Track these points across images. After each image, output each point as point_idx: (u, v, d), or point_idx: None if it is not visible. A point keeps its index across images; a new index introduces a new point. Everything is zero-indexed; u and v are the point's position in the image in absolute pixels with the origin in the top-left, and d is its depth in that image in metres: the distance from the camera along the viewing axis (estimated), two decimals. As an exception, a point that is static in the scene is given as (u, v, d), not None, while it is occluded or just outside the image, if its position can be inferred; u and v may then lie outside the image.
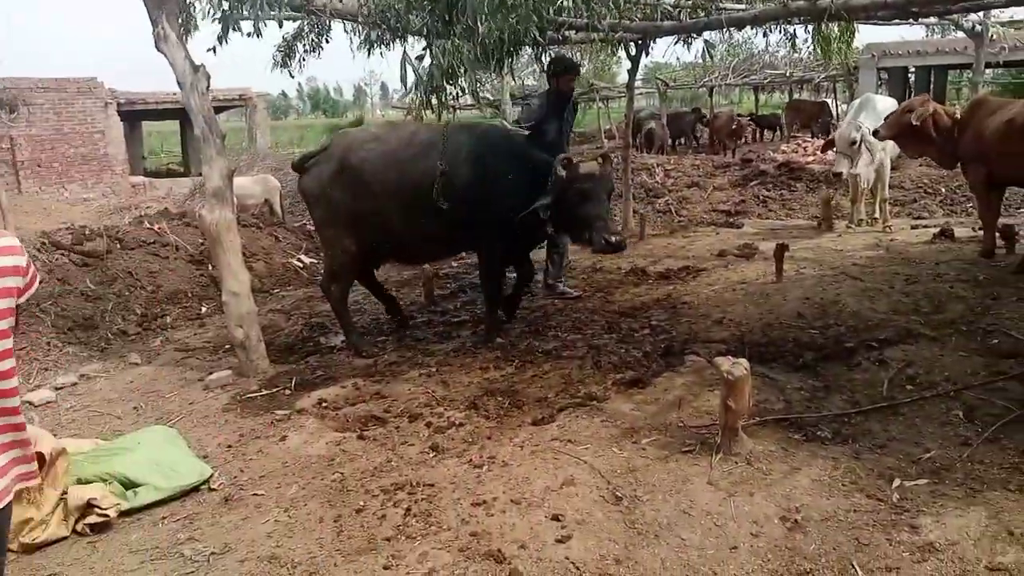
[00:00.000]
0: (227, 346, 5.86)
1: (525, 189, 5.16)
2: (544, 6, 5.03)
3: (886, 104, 8.40)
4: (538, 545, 3.03)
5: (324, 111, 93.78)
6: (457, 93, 5.57)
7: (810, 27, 7.27)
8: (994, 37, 12.64)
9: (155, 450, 3.95)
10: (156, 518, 3.59)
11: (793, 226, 9.53)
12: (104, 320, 6.96)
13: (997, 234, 6.61)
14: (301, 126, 54.94)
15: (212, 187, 5.20)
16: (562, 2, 5.22)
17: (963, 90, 24.57)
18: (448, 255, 6.66)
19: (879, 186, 8.48)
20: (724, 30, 7.22)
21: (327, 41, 7.69)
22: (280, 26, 6.80)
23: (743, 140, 22.30)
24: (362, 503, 3.48)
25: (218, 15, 5.49)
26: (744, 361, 3.51)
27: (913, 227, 8.58)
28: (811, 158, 15.26)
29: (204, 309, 7.50)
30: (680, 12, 7.44)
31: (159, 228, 8.79)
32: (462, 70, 5.38)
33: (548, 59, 6.78)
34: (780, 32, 7.46)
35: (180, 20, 5.30)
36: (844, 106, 22.46)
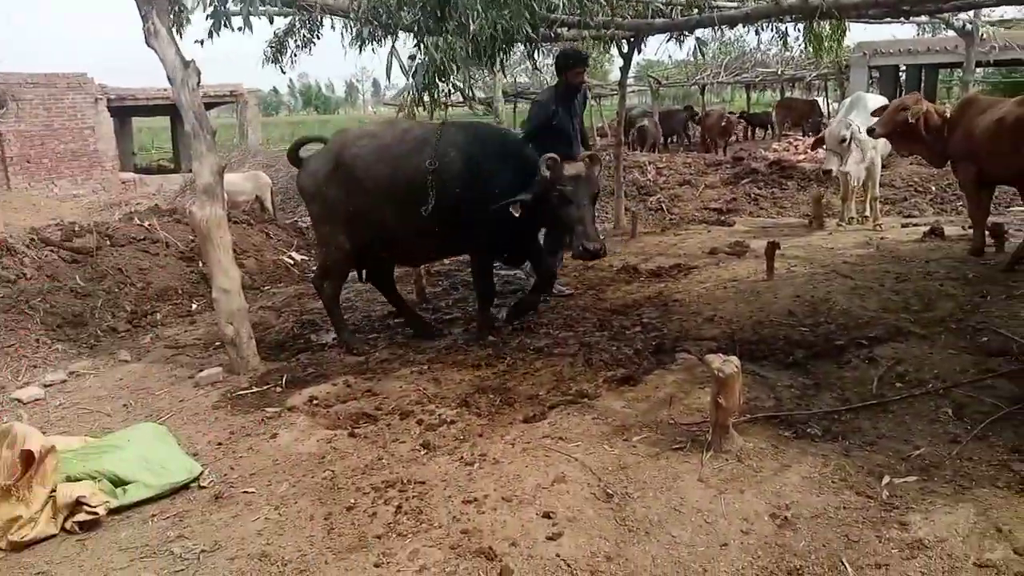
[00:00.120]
0: (217, 343, 5.84)
1: (517, 189, 5.09)
2: (537, 3, 5.04)
3: (877, 103, 8.42)
4: (529, 542, 3.03)
5: (316, 107, 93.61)
6: (449, 90, 5.56)
7: (801, 25, 7.30)
8: (984, 36, 12.69)
9: (145, 448, 3.93)
10: (146, 516, 3.57)
11: (784, 224, 9.56)
12: (94, 317, 6.92)
13: (987, 232, 6.64)
14: (292, 122, 54.80)
15: (202, 183, 5.18)
16: (554, -1, 5.23)
17: (954, 89, 24.71)
18: (442, 254, 6.49)
19: (870, 184, 8.51)
20: (716, 28, 7.23)
21: (318, 37, 7.67)
22: (271, 22, 6.78)
23: (734, 138, 22.35)
24: (353, 501, 3.47)
25: (209, 10, 5.47)
26: (735, 359, 3.52)
27: (903, 225, 8.61)
28: (802, 156, 15.31)
29: (194, 306, 7.47)
30: (672, 10, 7.46)
31: (149, 225, 8.75)
32: (454, 67, 5.37)
33: (552, 54, 6.77)
34: (772, 30, 7.49)
35: (171, 15, 5.27)
36: (835, 104, 22.56)
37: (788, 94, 31.04)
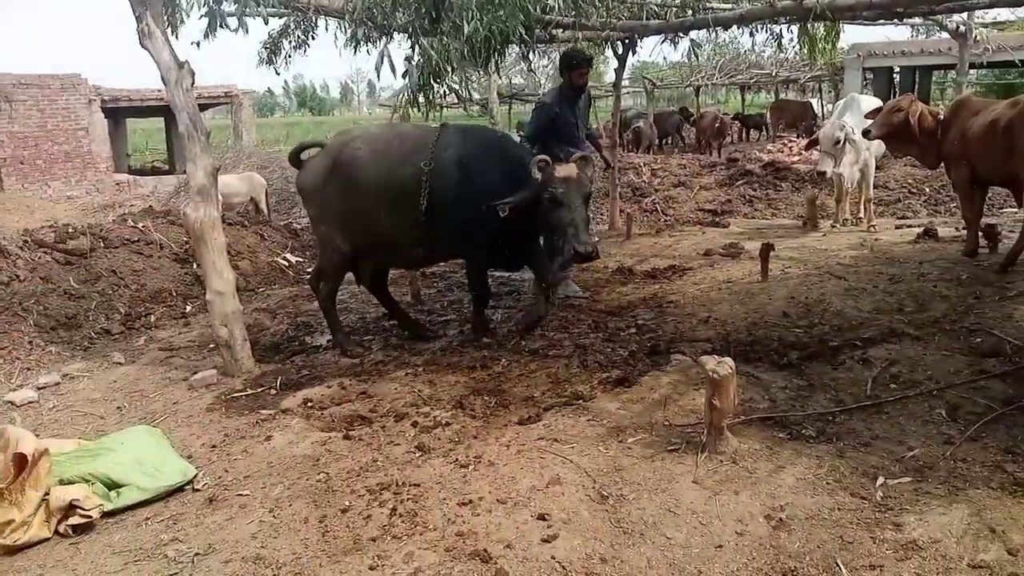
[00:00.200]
0: (212, 345, 5.83)
1: (510, 192, 5.02)
2: (531, 4, 5.04)
3: (871, 104, 8.45)
4: (524, 545, 3.03)
5: (311, 109, 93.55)
6: (444, 92, 5.56)
7: (796, 27, 7.31)
8: (978, 38, 12.75)
9: (138, 450, 3.92)
10: (139, 519, 3.56)
11: (779, 225, 9.57)
12: (87, 319, 6.91)
13: (980, 234, 6.66)
14: (287, 123, 54.67)
15: (196, 185, 5.17)
16: (549, 0, 5.22)
17: (947, 90, 24.79)
18: (437, 258, 6.35)
19: (864, 186, 8.54)
20: (710, 29, 7.25)
21: (313, 38, 7.67)
22: (266, 23, 6.78)
23: (728, 139, 22.40)
24: (348, 503, 3.47)
25: (204, 11, 5.47)
26: (729, 360, 3.52)
27: (897, 227, 8.63)
28: (796, 158, 15.37)
29: (189, 308, 7.46)
30: (667, 11, 7.48)
31: (143, 226, 8.73)
32: (449, 68, 5.37)
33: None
34: (766, 32, 7.51)
35: (165, 16, 5.26)
36: (830, 106, 22.62)
37: (783, 96, 31.12)
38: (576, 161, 5.10)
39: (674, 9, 7.46)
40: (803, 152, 15.41)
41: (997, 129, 5.93)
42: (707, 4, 7.02)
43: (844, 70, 19.82)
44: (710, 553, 2.90)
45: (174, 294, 7.78)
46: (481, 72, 6.48)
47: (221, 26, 5.60)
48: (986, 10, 10.49)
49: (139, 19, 4.98)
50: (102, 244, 8.08)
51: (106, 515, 3.56)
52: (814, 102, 26.88)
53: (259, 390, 5.03)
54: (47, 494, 3.48)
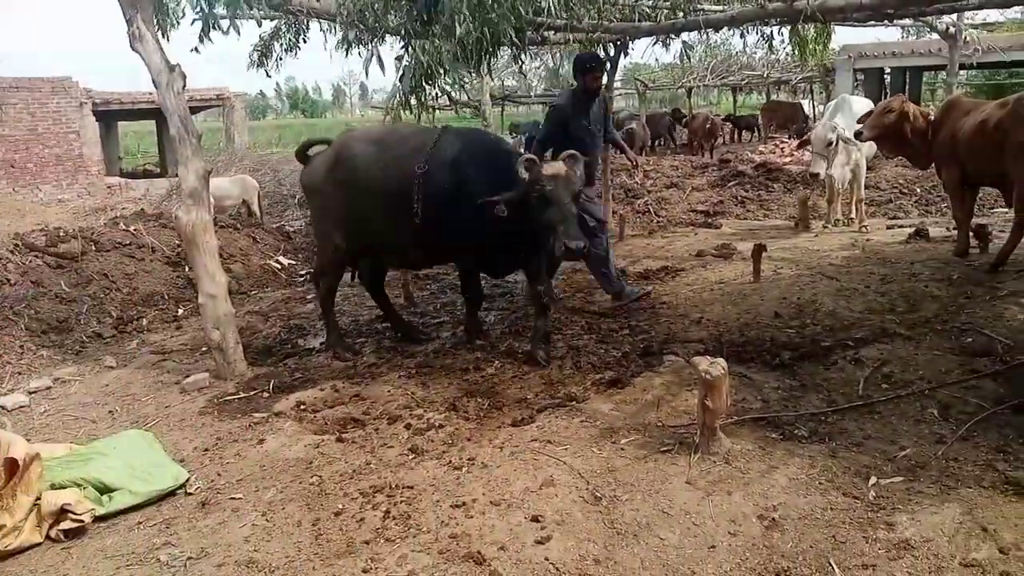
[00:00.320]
0: (204, 348, 5.81)
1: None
2: (523, 6, 5.04)
3: (862, 105, 8.49)
4: (518, 546, 3.03)
5: (303, 111, 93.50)
6: (436, 94, 5.55)
7: (787, 29, 7.33)
8: (967, 39, 12.82)
9: (130, 454, 3.91)
10: (132, 523, 3.55)
11: (771, 226, 9.60)
12: (79, 323, 6.88)
13: (971, 234, 6.69)
14: (280, 126, 54.62)
15: (188, 188, 5.15)
16: (541, 2, 5.22)
17: (938, 91, 24.92)
18: (433, 260, 6.25)
19: (855, 186, 8.57)
20: (702, 31, 7.26)
21: (304, 41, 7.65)
22: (259, 24, 6.77)
23: (720, 140, 22.45)
24: (341, 506, 3.46)
25: (197, 15, 5.45)
26: (722, 361, 3.53)
27: (889, 227, 8.67)
28: (788, 159, 15.42)
29: (181, 311, 7.43)
30: (658, 13, 7.49)
31: (135, 229, 8.70)
32: (441, 70, 5.37)
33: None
34: (757, 34, 7.52)
35: (156, 19, 5.25)
36: (821, 107, 22.71)
37: (774, 97, 31.19)
38: (564, 159, 5.04)
39: (665, 11, 7.47)
40: (794, 153, 15.48)
41: (987, 129, 5.97)
42: (698, 6, 7.04)
43: (835, 71, 19.90)
44: (703, 553, 2.91)
45: (166, 297, 7.75)
46: (473, 74, 6.48)
47: (213, 27, 5.58)
48: (975, 11, 10.55)
49: (130, 22, 4.97)
50: (93, 247, 8.04)
51: (98, 519, 3.55)
52: (805, 103, 26.94)
53: (252, 393, 5.02)
54: (39, 499, 3.46)
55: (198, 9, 5.37)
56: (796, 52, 8.32)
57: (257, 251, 9.42)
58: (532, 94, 28.44)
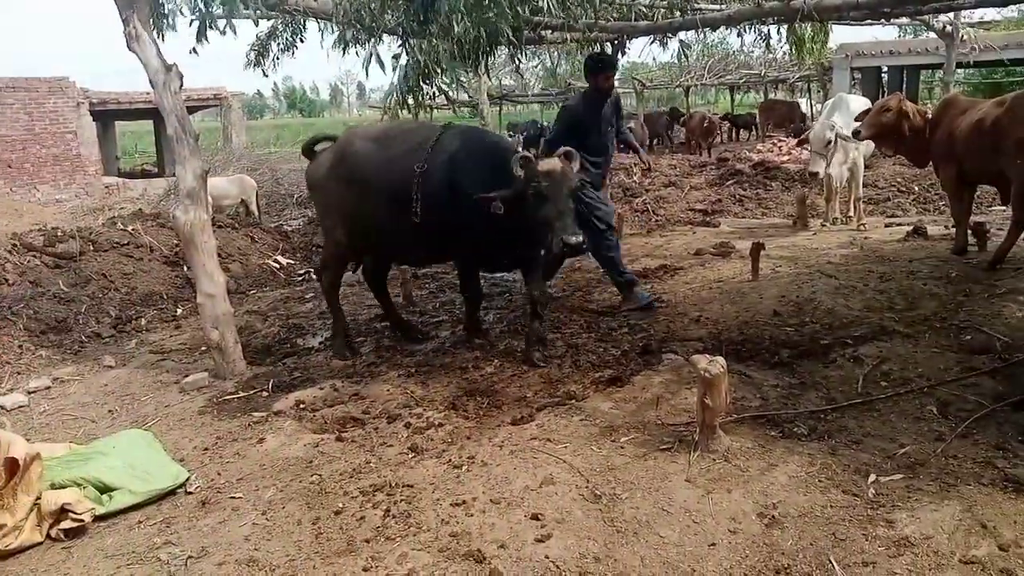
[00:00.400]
0: (203, 348, 5.81)
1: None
2: (520, 5, 5.04)
3: (859, 104, 8.50)
4: (518, 544, 3.03)
5: (300, 111, 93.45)
6: (434, 93, 5.55)
7: (784, 28, 7.35)
8: (964, 38, 12.84)
9: (130, 454, 3.91)
10: (132, 522, 3.55)
11: (769, 225, 9.61)
12: (78, 323, 6.88)
13: (969, 232, 6.70)
14: (277, 125, 54.61)
15: (186, 187, 5.15)
16: (538, 2, 5.21)
17: (935, 89, 24.93)
18: (433, 258, 6.21)
19: (853, 185, 8.58)
20: (699, 30, 7.27)
21: (301, 40, 7.65)
22: (256, 24, 6.77)
23: (717, 139, 22.47)
24: (341, 505, 3.46)
25: (194, 15, 5.45)
26: (721, 359, 3.53)
27: (887, 225, 8.68)
28: (786, 157, 15.43)
29: (179, 311, 7.43)
30: (655, 13, 7.49)
31: (133, 229, 8.70)
32: (438, 70, 5.36)
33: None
34: (754, 32, 7.54)
35: (152, 19, 5.25)
36: (818, 106, 22.73)
37: (772, 96, 31.24)
38: (560, 155, 4.96)
39: (662, 10, 7.48)
40: (792, 152, 15.50)
41: (984, 128, 5.98)
42: (695, 5, 7.04)
43: (832, 70, 19.92)
44: (703, 551, 2.91)
45: (165, 297, 7.75)
46: (470, 73, 6.47)
47: (210, 27, 5.58)
48: (972, 10, 10.56)
49: (126, 22, 4.97)
50: (92, 247, 8.04)
51: (98, 519, 3.55)
52: (802, 102, 26.99)
53: (251, 392, 5.02)
54: (39, 498, 3.46)
55: (195, 10, 5.38)
56: (794, 51, 8.33)
57: (255, 250, 9.43)
58: (529, 93, 28.47)
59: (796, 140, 10.26)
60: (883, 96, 11.59)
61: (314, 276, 6.21)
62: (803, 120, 22.73)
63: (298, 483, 3.73)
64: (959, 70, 18.72)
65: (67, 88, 17.32)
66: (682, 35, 7.56)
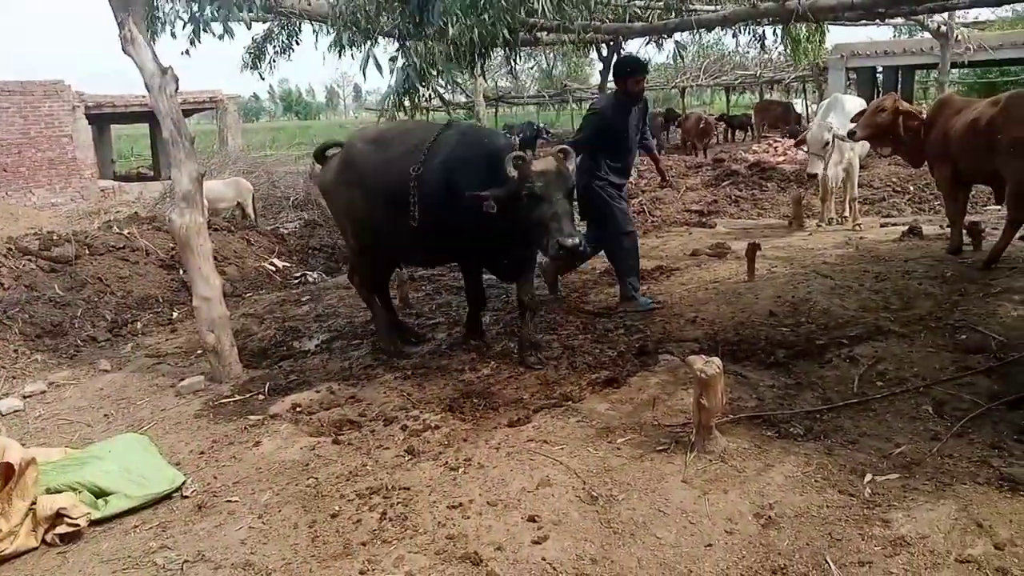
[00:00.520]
0: (199, 351, 5.80)
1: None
2: (516, 7, 5.05)
3: (854, 104, 8.51)
4: (515, 546, 3.02)
5: (296, 113, 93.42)
6: (430, 95, 5.55)
7: (779, 29, 7.37)
8: (959, 38, 12.87)
9: (126, 458, 3.90)
10: (128, 527, 3.54)
11: (764, 225, 9.62)
12: (73, 327, 6.87)
13: (964, 231, 6.72)
14: (273, 128, 54.58)
15: (181, 190, 5.15)
16: (533, 3, 5.23)
17: (930, 89, 25.00)
18: (438, 260, 6.14)
19: (848, 185, 8.59)
20: (694, 31, 7.29)
21: (297, 43, 7.66)
22: (248, 27, 6.77)
23: (713, 140, 22.49)
24: (337, 508, 3.45)
25: (187, 18, 5.46)
26: (717, 360, 3.53)
27: (882, 225, 8.69)
28: (782, 158, 15.45)
29: (175, 314, 7.42)
30: (650, 14, 7.51)
31: (129, 233, 8.69)
32: (434, 71, 5.38)
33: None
34: (750, 33, 7.56)
35: (147, 22, 5.24)
36: (814, 106, 22.77)
37: (767, 96, 31.30)
38: (555, 154, 4.86)
39: (657, 11, 7.50)
40: (788, 152, 15.52)
41: (979, 127, 5.99)
42: (690, 6, 7.06)
43: (827, 70, 19.96)
44: (700, 552, 2.91)
45: (160, 300, 7.74)
46: (466, 75, 6.47)
47: (204, 30, 5.58)
48: (966, 10, 10.59)
49: (121, 25, 4.96)
50: (87, 251, 8.03)
51: (94, 523, 3.54)
52: (798, 102, 27.05)
53: (247, 396, 5.01)
54: (34, 503, 3.45)
55: (190, 13, 5.39)
56: (789, 51, 8.36)
57: (251, 253, 9.42)
58: (525, 95, 28.49)
59: (793, 141, 10.27)
60: (878, 96, 11.60)
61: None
62: (798, 121, 22.78)
63: (294, 486, 3.73)
64: (954, 70, 18.76)
65: (62, 91, 17.30)
66: (677, 36, 7.59)
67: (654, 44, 8.04)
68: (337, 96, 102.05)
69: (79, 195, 17.40)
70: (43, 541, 3.42)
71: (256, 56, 7.92)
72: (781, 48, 8.75)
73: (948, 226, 7.09)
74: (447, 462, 3.76)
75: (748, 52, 24.27)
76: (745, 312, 5.73)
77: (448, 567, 2.95)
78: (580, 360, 5.03)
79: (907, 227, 7.85)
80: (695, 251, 7.92)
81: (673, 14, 7.25)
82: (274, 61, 8.00)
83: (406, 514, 3.33)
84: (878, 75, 22.43)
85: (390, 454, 3.96)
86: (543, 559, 2.93)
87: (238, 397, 5.01)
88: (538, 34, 7.57)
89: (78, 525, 3.45)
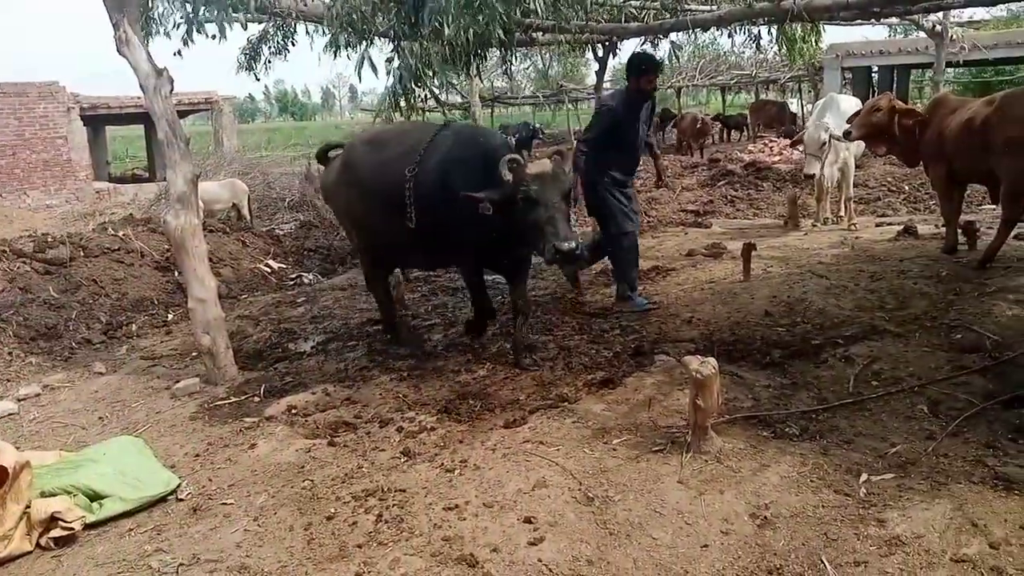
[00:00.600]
0: (194, 353, 5.79)
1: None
2: (511, 7, 5.04)
3: (850, 104, 8.53)
4: (511, 548, 3.02)
5: (292, 114, 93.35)
6: (425, 95, 5.54)
7: (774, 28, 7.37)
8: (954, 37, 12.90)
9: (121, 461, 3.88)
10: (123, 530, 3.53)
11: (760, 225, 9.63)
12: (68, 329, 6.85)
13: (959, 231, 6.73)
14: (268, 129, 54.49)
15: (176, 192, 5.13)
16: (529, 3, 5.22)
17: (925, 89, 25.06)
18: (438, 262, 6.07)
19: (844, 185, 8.60)
20: (689, 31, 7.29)
21: (293, 44, 7.64)
22: (244, 28, 6.75)
23: (709, 140, 22.50)
24: (333, 510, 3.45)
25: (182, 19, 5.45)
26: (712, 360, 3.53)
27: (878, 225, 8.71)
28: (777, 158, 15.46)
29: (171, 316, 7.40)
30: (645, 14, 7.51)
31: (124, 234, 8.67)
32: (430, 72, 5.37)
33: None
34: (745, 33, 7.56)
35: (141, 23, 5.23)
36: (809, 106, 22.80)
37: (763, 96, 31.34)
38: (551, 156, 4.81)
39: (653, 11, 7.50)
40: (783, 152, 15.54)
41: (973, 127, 6.00)
42: (685, 6, 7.06)
43: (823, 70, 19.98)
44: (696, 553, 2.91)
45: (156, 302, 7.73)
46: (462, 75, 6.46)
47: (198, 32, 5.57)
48: (961, 9, 10.62)
49: (116, 26, 4.95)
50: (82, 253, 8.01)
51: (88, 527, 3.53)
52: (794, 102, 27.09)
53: (242, 398, 5.00)
54: (28, 507, 3.44)
55: (183, 14, 5.37)
56: (785, 51, 8.36)
57: (247, 255, 9.41)
58: (521, 95, 28.49)
59: (789, 142, 10.28)
60: (874, 96, 11.62)
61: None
62: (793, 121, 22.81)
63: (290, 489, 3.72)
64: (949, 69, 18.81)
65: (57, 93, 17.27)
66: (673, 36, 7.58)
67: (650, 44, 8.02)
68: (333, 97, 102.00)
69: (74, 197, 17.37)
70: (37, 545, 3.40)
71: (251, 57, 7.90)
72: (776, 48, 8.75)
73: (943, 226, 7.10)
74: (443, 464, 3.76)
75: (744, 52, 24.31)
76: (741, 312, 5.73)
77: (444, 569, 2.94)
78: (576, 361, 5.03)
79: (902, 227, 7.86)
80: (691, 251, 7.93)
81: (669, 14, 7.26)
82: (269, 62, 7.98)
83: (402, 516, 3.33)
84: (873, 75, 22.46)
85: (386, 456, 3.95)
86: (539, 560, 2.93)
87: (233, 399, 5.00)
88: (534, 34, 7.57)
89: (73, 529, 3.44)
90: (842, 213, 8.81)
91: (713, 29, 7.37)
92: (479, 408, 4.44)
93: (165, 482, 3.82)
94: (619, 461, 3.62)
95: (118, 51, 5.01)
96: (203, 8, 5.47)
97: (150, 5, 5.88)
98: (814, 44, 8.33)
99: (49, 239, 8.16)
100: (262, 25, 7.54)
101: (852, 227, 8.40)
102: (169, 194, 5.26)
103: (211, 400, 5.01)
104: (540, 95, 27.65)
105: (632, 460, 3.61)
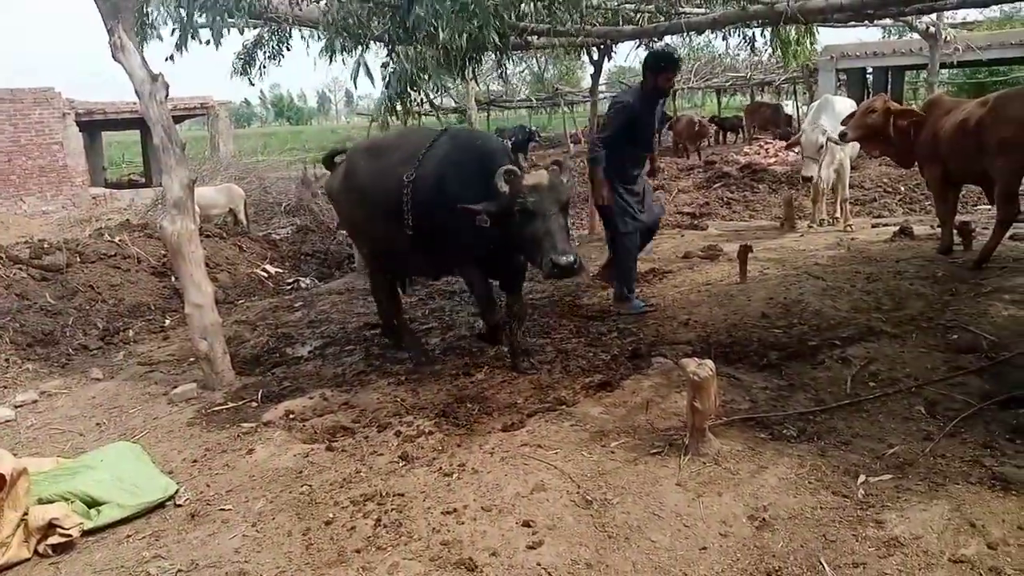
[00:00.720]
0: (191, 359, 5.78)
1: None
2: (505, 11, 5.05)
3: (845, 105, 8.54)
4: (509, 552, 3.02)
5: (288, 119, 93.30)
6: (421, 99, 5.54)
7: (768, 31, 7.39)
8: (947, 38, 12.93)
9: (118, 467, 3.88)
10: (120, 536, 3.52)
11: (756, 227, 9.64)
12: (65, 335, 6.84)
13: (955, 231, 6.74)
14: (265, 134, 54.48)
15: (172, 197, 5.13)
16: (523, 7, 5.23)
17: (919, 90, 25.12)
18: (439, 270, 5.89)
19: (840, 186, 8.62)
20: (684, 34, 7.30)
21: (288, 48, 7.64)
22: (241, 33, 6.75)
23: (706, 142, 22.54)
24: (331, 515, 3.44)
25: (176, 24, 5.44)
26: (710, 362, 3.53)
27: (873, 226, 8.72)
28: (773, 159, 15.50)
29: (168, 322, 7.40)
30: (640, 17, 7.53)
31: (120, 240, 8.67)
32: (425, 76, 5.37)
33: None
34: (739, 36, 7.58)
35: (136, 28, 5.23)
36: (804, 108, 22.84)
37: (758, 98, 31.39)
38: (549, 167, 4.76)
39: (647, 14, 7.52)
40: (778, 154, 15.57)
41: (968, 128, 6.01)
42: (680, 9, 7.08)
43: (818, 72, 20.03)
44: (695, 555, 2.91)
45: (152, 308, 7.72)
46: (457, 79, 6.45)
47: (193, 38, 5.57)
48: (955, 11, 10.65)
49: (111, 32, 4.95)
50: (78, 259, 8.01)
51: (87, 533, 3.52)
52: (789, 104, 27.13)
53: (240, 403, 5.00)
54: (26, 514, 3.43)
55: (177, 19, 5.37)
56: (779, 53, 8.38)
57: (244, 260, 9.41)
58: (516, 99, 28.50)
59: (785, 144, 10.30)
60: (868, 97, 11.65)
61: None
62: (788, 123, 22.85)
63: (288, 494, 3.71)
64: (943, 70, 18.84)
65: (53, 99, 17.24)
66: (668, 39, 7.60)
67: (645, 47, 8.02)
68: (329, 101, 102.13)
69: (70, 203, 17.34)
70: (35, 552, 3.40)
71: (246, 62, 7.89)
72: (771, 50, 8.76)
73: (939, 226, 7.11)
74: (441, 468, 3.76)
75: (738, 54, 24.37)
76: (737, 314, 5.74)
77: (443, 573, 2.94)
78: (573, 364, 5.03)
79: (898, 228, 7.87)
80: (687, 253, 7.94)
81: (663, 17, 7.28)
82: (265, 67, 7.97)
83: (400, 520, 3.32)
84: (868, 76, 22.53)
85: (384, 460, 3.95)
86: (538, 564, 2.93)
87: (231, 404, 4.99)
88: (529, 38, 7.57)
89: (71, 535, 3.43)
90: (838, 214, 8.83)
91: (707, 32, 7.39)
92: (477, 412, 4.43)
93: (163, 488, 3.81)
94: (617, 464, 3.62)
95: (113, 57, 5.01)
96: (197, 14, 5.47)
97: (145, 10, 5.88)
98: (808, 46, 8.35)
99: (45, 245, 8.15)
100: (257, 30, 7.53)
101: (848, 228, 8.41)
102: (165, 199, 5.26)
103: (209, 405, 5.01)
104: (535, 98, 27.67)
105: (630, 463, 3.61)
